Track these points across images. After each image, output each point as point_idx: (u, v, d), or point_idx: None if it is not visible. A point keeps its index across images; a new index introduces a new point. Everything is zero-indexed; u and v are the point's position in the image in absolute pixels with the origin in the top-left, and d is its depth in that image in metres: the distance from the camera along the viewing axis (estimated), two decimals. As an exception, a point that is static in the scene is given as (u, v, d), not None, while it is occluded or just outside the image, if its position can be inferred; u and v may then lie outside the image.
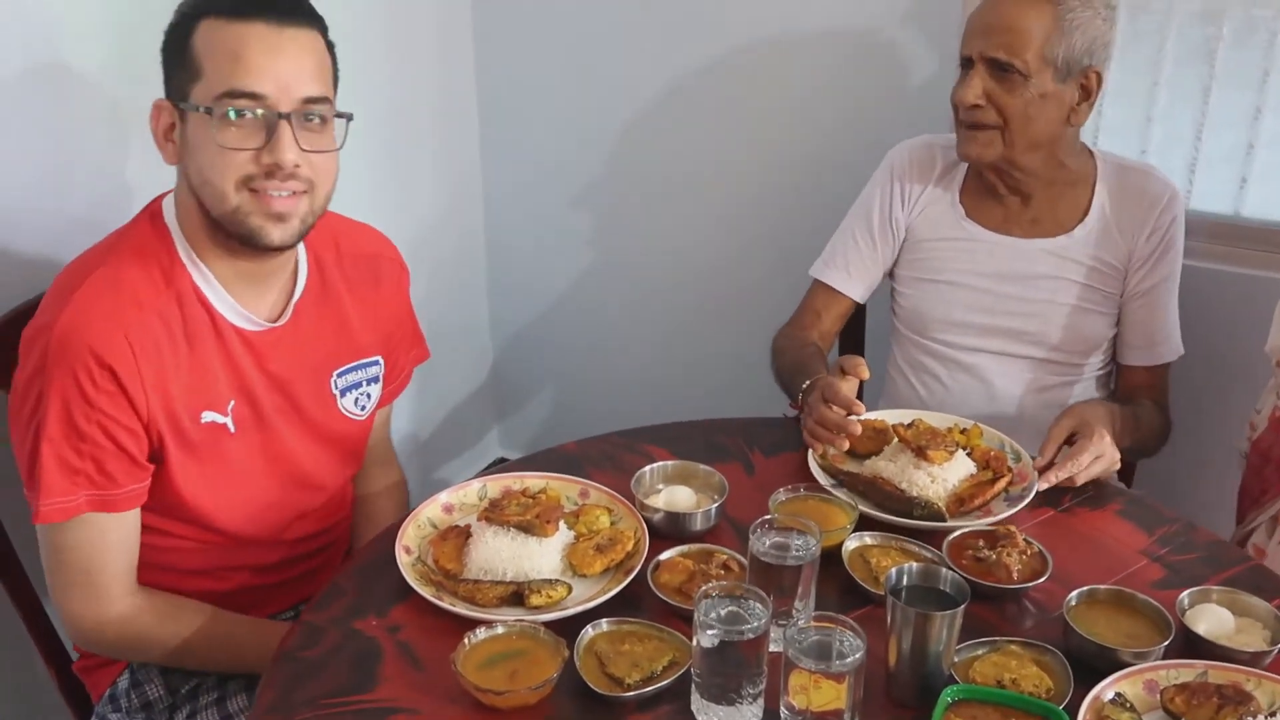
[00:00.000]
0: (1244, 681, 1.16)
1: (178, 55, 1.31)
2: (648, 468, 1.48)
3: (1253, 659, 1.20)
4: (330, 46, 1.36)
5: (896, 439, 1.55)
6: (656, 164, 2.46)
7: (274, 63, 1.28)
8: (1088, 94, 1.71)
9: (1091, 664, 1.18)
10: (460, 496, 1.46)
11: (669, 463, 1.51)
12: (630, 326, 2.65)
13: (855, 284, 1.92)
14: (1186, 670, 1.18)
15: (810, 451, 1.54)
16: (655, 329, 2.62)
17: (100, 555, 1.35)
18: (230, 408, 1.41)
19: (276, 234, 1.33)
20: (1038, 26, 1.66)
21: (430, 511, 1.42)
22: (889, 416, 1.62)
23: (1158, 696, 1.15)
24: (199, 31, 1.29)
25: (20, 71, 1.60)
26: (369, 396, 1.57)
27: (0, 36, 1.56)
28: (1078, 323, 1.81)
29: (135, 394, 1.31)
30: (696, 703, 1.14)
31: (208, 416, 1.39)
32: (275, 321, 1.44)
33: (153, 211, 1.39)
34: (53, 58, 1.64)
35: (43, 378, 1.28)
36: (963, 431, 1.59)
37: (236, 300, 1.39)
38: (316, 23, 1.34)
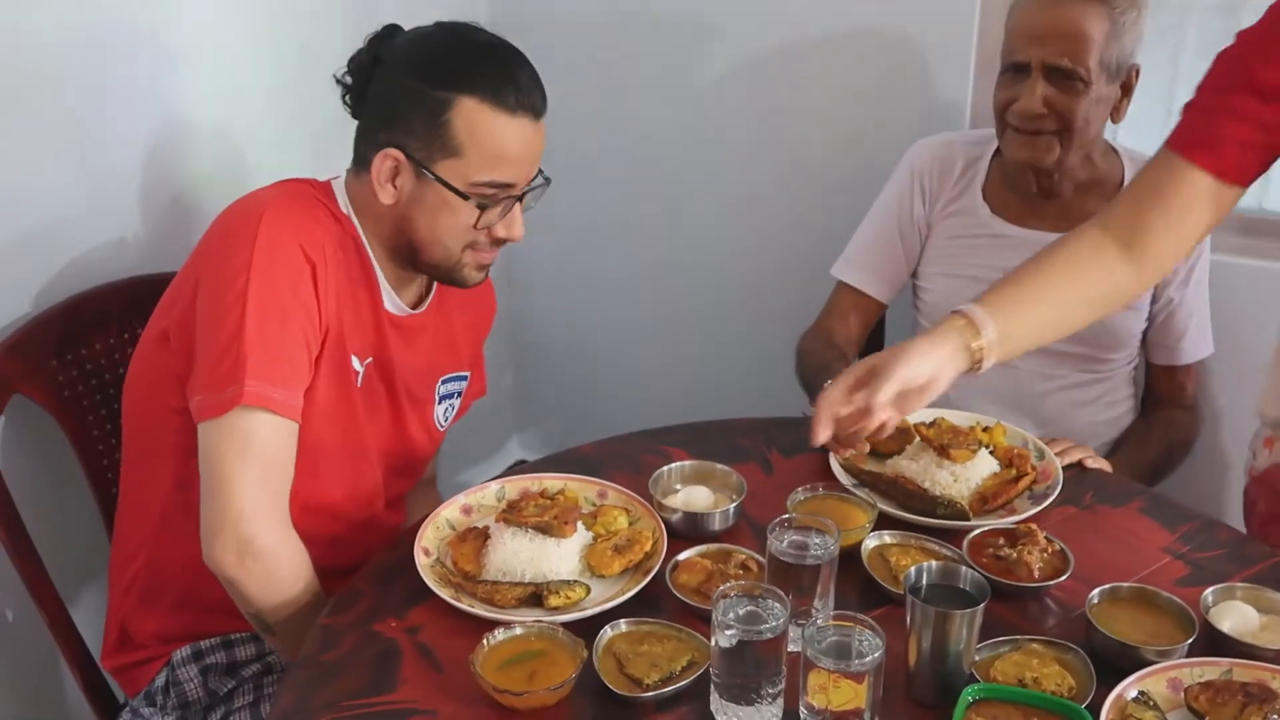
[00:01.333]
0: (1269, 679, 1.14)
1: (426, 119, 1.36)
2: (665, 468, 1.48)
3: (1278, 656, 1.18)
4: None
5: (918, 438, 1.54)
6: (676, 164, 2.46)
7: (528, 156, 1.40)
8: (1128, 90, 1.72)
9: (1114, 662, 1.17)
10: (478, 498, 1.46)
11: (687, 463, 1.50)
12: (650, 326, 2.64)
13: (879, 284, 1.91)
14: (1211, 668, 1.16)
15: (831, 451, 1.53)
16: (674, 329, 2.61)
17: (285, 463, 1.35)
18: (366, 363, 1.47)
19: (478, 278, 1.48)
20: (1097, 31, 1.65)
21: (449, 513, 1.43)
22: (910, 415, 1.60)
23: (1182, 695, 1.14)
24: (461, 108, 1.34)
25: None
26: (453, 408, 1.64)
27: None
28: (1106, 321, 1.78)
29: (324, 298, 1.37)
30: (715, 703, 1.14)
31: (352, 358, 1.44)
32: (414, 309, 1.52)
33: (323, 188, 1.46)
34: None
35: (249, 269, 1.31)
36: (985, 429, 1.58)
37: (389, 282, 1.48)
38: (546, 101, 1.42)
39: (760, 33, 2.26)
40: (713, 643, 1.12)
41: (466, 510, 1.44)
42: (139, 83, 1.68)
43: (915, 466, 1.50)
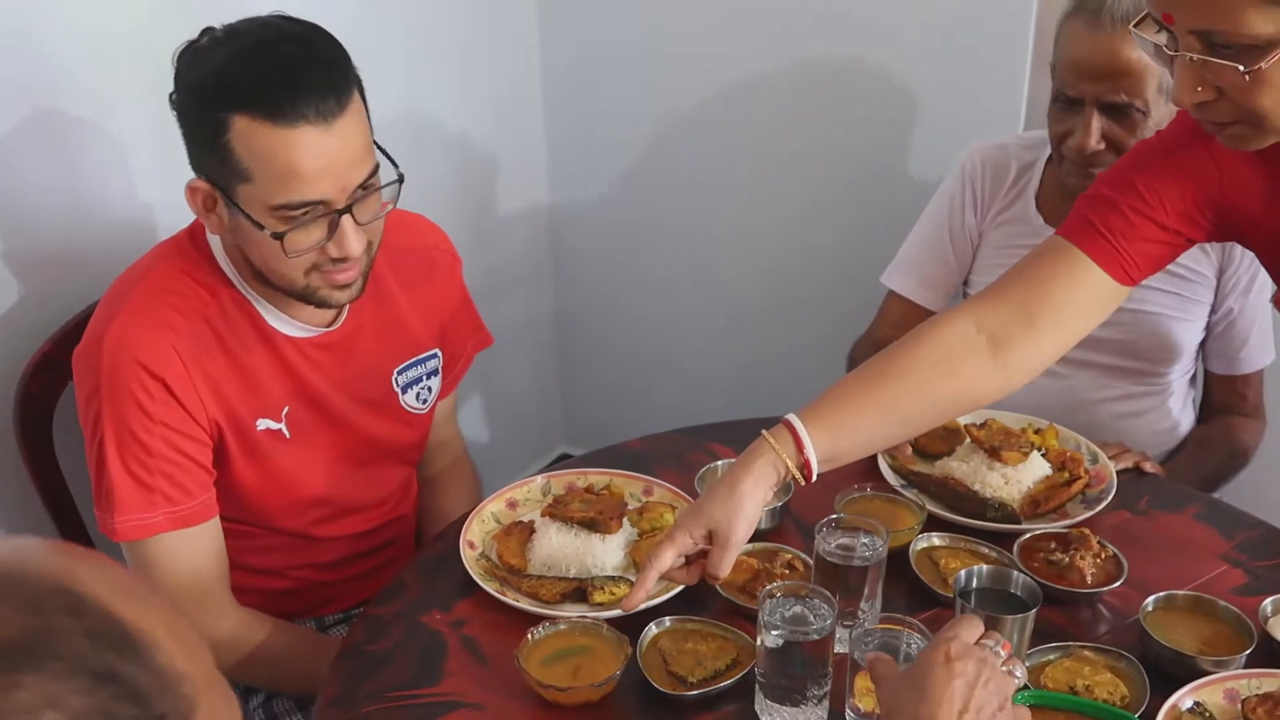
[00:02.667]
0: (1331, 693, 1.12)
1: (209, 145, 1.22)
2: (712, 465, 1.47)
3: (1340, 669, 1.16)
4: (363, 94, 1.27)
5: (969, 439, 1.52)
6: (725, 159, 2.44)
7: (330, 165, 1.21)
8: None
9: (1169, 671, 1.15)
10: (524, 492, 1.46)
11: (734, 460, 1.49)
12: (696, 323, 2.63)
13: (929, 292, 1.86)
14: (1270, 680, 1.14)
15: (880, 452, 1.51)
16: (722, 325, 2.60)
17: (196, 568, 1.34)
18: (285, 414, 1.40)
19: (344, 297, 1.33)
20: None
21: (494, 507, 1.43)
22: (961, 416, 1.58)
23: (1239, 706, 1.12)
24: (235, 130, 1.19)
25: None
26: (430, 390, 1.57)
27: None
28: (1165, 332, 1.73)
29: (190, 402, 1.30)
30: (760, 703, 1.13)
31: (263, 424, 1.38)
32: (329, 327, 1.42)
33: (193, 231, 1.37)
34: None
35: (99, 396, 1.28)
36: (1037, 432, 1.55)
37: (284, 312, 1.38)
38: (353, 86, 1.24)
39: (811, 31, 2.24)
40: (759, 642, 1.11)
41: (512, 504, 1.44)
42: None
43: (965, 468, 1.48)
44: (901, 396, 1.26)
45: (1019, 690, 1.11)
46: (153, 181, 1.68)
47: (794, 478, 1.21)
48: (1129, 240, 1.27)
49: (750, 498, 1.19)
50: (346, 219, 1.25)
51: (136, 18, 1.60)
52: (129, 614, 0.57)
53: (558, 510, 1.36)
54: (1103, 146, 1.61)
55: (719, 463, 1.48)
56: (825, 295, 2.37)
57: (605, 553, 1.32)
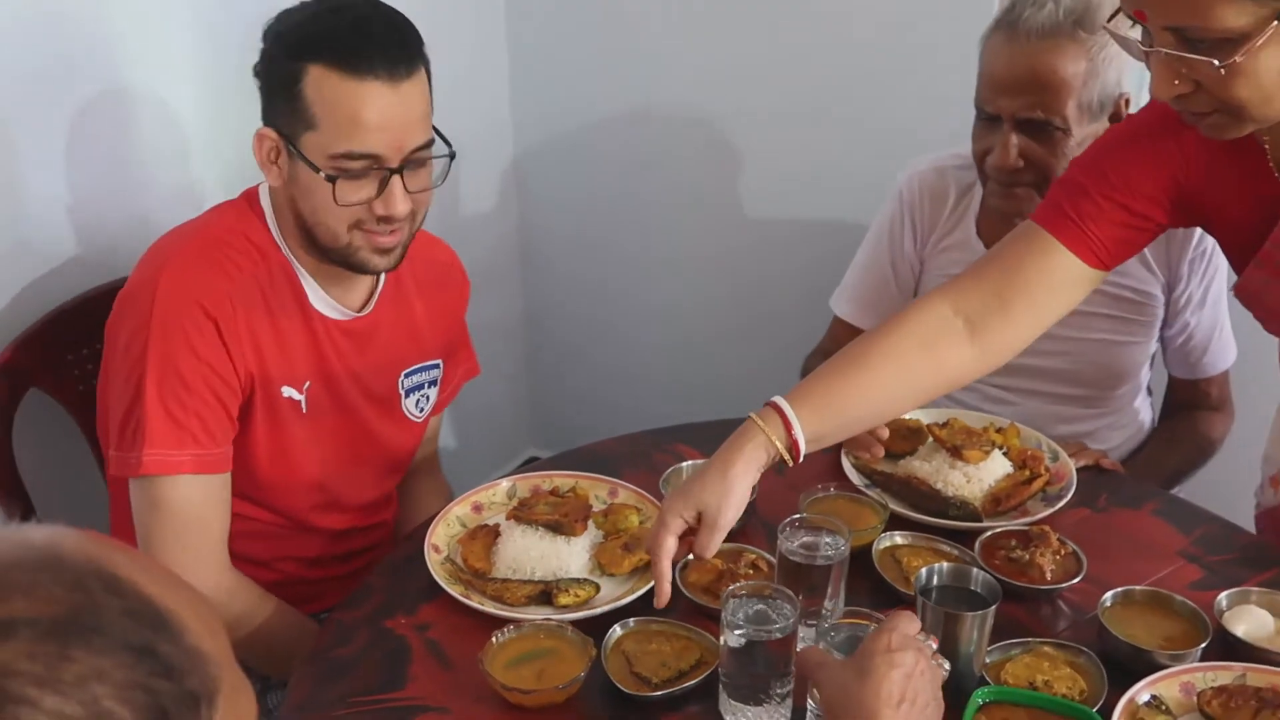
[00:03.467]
0: (1284, 685, 1.13)
1: (284, 93, 1.31)
2: (676, 466, 1.48)
3: (1293, 662, 1.17)
4: (429, 75, 1.36)
5: (931, 438, 1.54)
6: (693, 166, 2.45)
7: (390, 122, 1.30)
8: (1118, 119, 1.60)
9: (1127, 666, 1.16)
10: (489, 496, 1.46)
11: (699, 462, 1.50)
12: (663, 326, 2.64)
13: (875, 317, 1.82)
14: (1224, 673, 1.15)
15: (843, 450, 1.52)
16: (688, 328, 2.61)
17: (205, 517, 1.37)
18: (306, 388, 1.44)
19: (383, 263, 1.39)
20: (1073, 75, 1.53)
21: (459, 510, 1.43)
22: (923, 416, 1.60)
23: (1194, 699, 1.13)
24: (309, 78, 1.29)
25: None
26: (428, 399, 1.60)
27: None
28: (1109, 358, 1.74)
29: (235, 349, 1.35)
30: (724, 703, 1.14)
31: (287, 391, 1.43)
32: (358, 312, 1.48)
33: (250, 196, 1.44)
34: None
35: (147, 331, 1.31)
36: (999, 430, 1.57)
37: (323, 288, 1.44)
38: (422, 62, 1.34)
39: (778, 31, 2.25)
40: (722, 642, 1.12)
41: (477, 508, 1.44)
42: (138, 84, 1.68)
43: (928, 467, 1.49)
44: (883, 378, 1.28)
45: (978, 687, 1.12)
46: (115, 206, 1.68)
47: (783, 458, 1.23)
48: (1099, 225, 1.29)
49: (740, 481, 1.21)
50: (396, 180, 1.32)
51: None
52: (160, 595, 0.60)
53: (523, 513, 1.36)
54: (1022, 164, 1.59)
55: (685, 464, 1.49)
56: (790, 296, 2.38)
57: (570, 555, 1.32)
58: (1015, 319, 1.30)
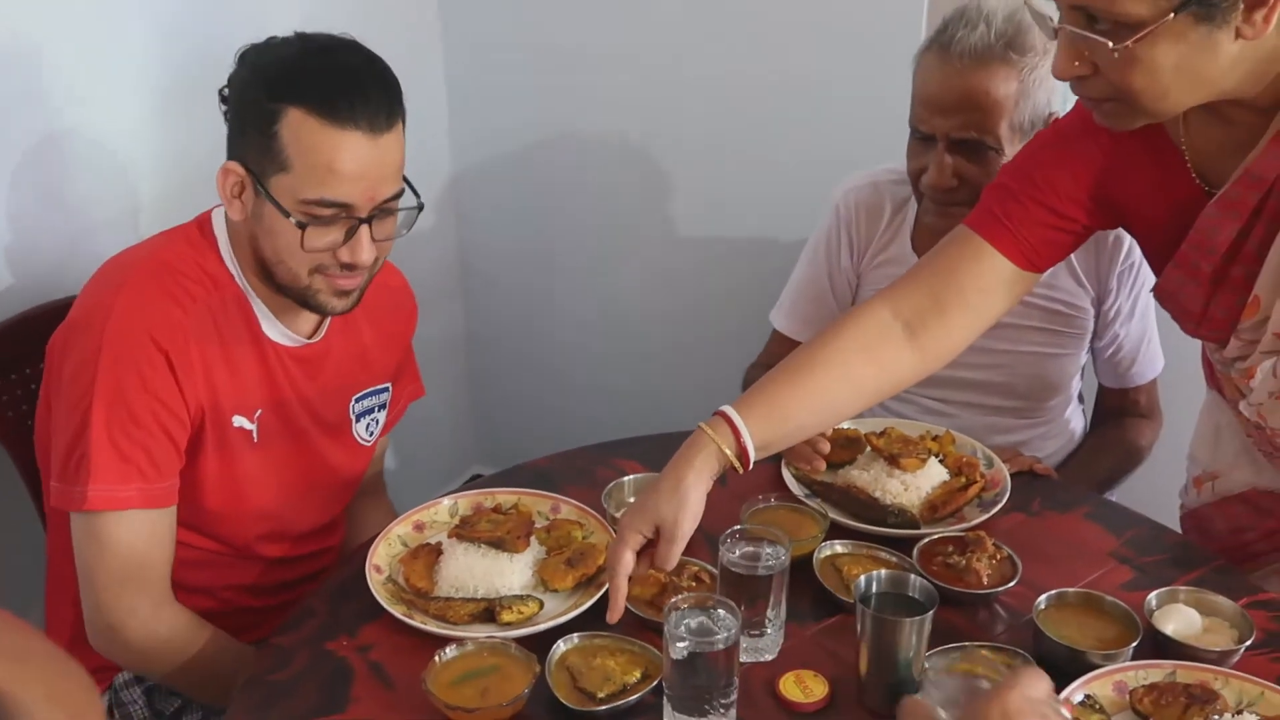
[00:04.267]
0: (1212, 680, 1.16)
1: (258, 131, 1.29)
2: (618, 481, 1.48)
3: (1220, 658, 1.20)
4: (404, 127, 1.35)
5: (869, 448, 1.56)
6: (630, 183, 2.46)
7: (365, 173, 1.29)
8: None
9: (1062, 667, 1.18)
10: (431, 514, 1.45)
11: (641, 475, 1.51)
12: (605, 342, 2.64)
13: (813, 331, 1.77)
14: (1155, 671, 1.18)
15: (783, 461, 1.54)
16: (630, 344, 2.62)
17: (149, 553, 1.34)
18: (258, 416, 1.43)
19: (340, 305, 1.38)
20: (1005, 96, 1.56)
21: (401, 530, 1.42)
22: (861, 425, 1.62)
23: (1127, 698, 1.16)
24: (288, 120, 1.27)
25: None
26: (377, 422, 1.60)
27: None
28: (1041, 370, 1.77)
29: (186, 382, 1.33)
30: (669, 716, 1.14)
31: (238, 420, 1.41)
32: (309, 339, 1.47)
33: (202, 223, 1.41)
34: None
35: (96, 361, 1.28)
36: (935, 438, 1.60)
37: (276, 316, 1.42)
38: (401, 114, 1.33)
39: (710, 52, 2.27)
40: (665, 655, 1.13)
41: (419, 526, 1.44)
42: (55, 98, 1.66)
43: (866, 476, 1.51)
44: (827, 384, 1.30)
45: (917, 692, 1.13)
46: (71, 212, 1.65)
47: (733, 466, 1.24)
48: (1028, 227, 1.33)
49: (694, 492, 1.22)
50: (364, 229, 1.32)
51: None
52: (5, 678, 0.57)
53: (465, 531, 1.36)
54: (956, 183, 1.61)
55: (627, 478, 1.49)
56: (730, 309, 2.40)
57: (513, 572, 1.32)
58: (951, 321, 1.33)
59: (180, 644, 1.37)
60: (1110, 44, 1.09)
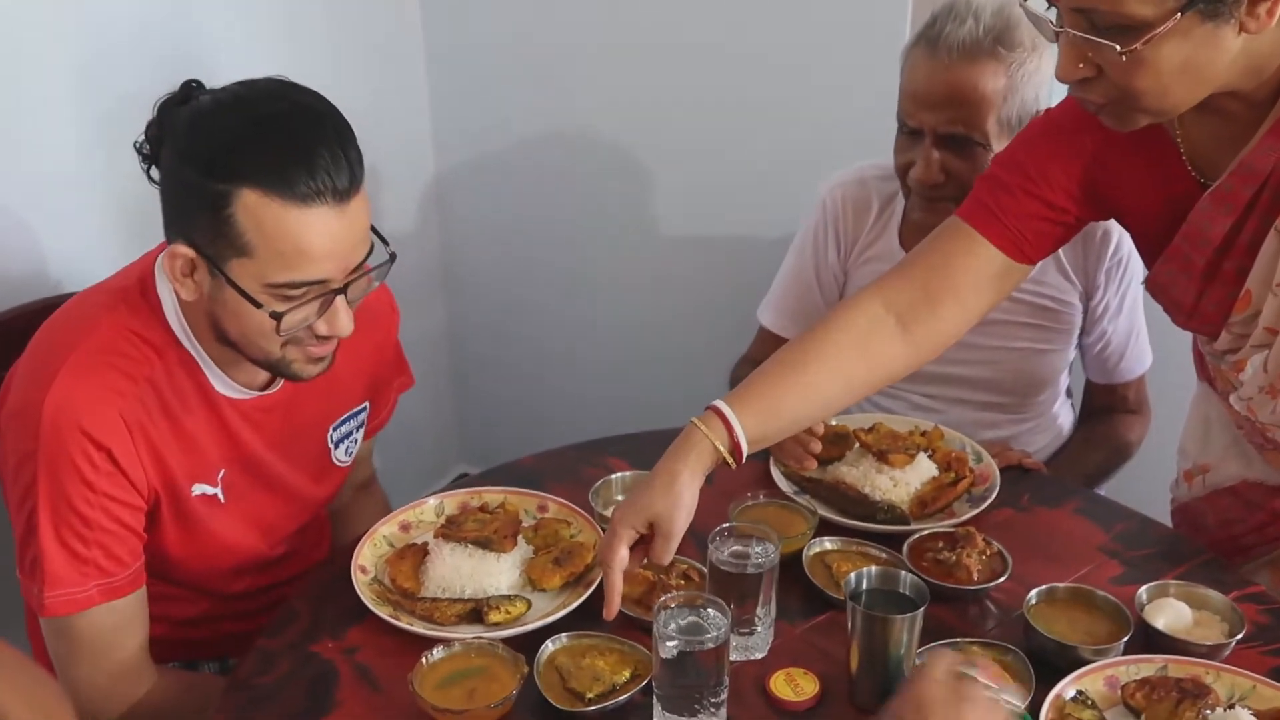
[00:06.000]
0: (1203, 674, 1.16)
1: (207, 214, 1.16)
2: (605, 479, 1.47)
3: (1211, 652, 1.20)
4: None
5: (858, 444, 1.55)
6: (613, 181, 2.45)
7: (338, 248, 1.18)
8: None
9: (1053, 662, 1.18)
10: (417, 514, 1.44)
11: (628, 473, 1.49)
12: (590, 338, 2.63)
13: (800, 327, 1.82)
14: (1146, 665, 1.18)
15: (772, 459, 1.53)
16: (615, 340, 2.61)
17: (119, 640, 1.28)
18: (220, 477, 1.35)
19: (315, 371, 1.29)
20: (993, 92, 1.56)
21: (387, 530, 1.41)
22: (849, 421, 1.61)
23: (1119, 693, 1.15)
24: (242, 202, 1.14)
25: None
26: (356, 442, 1.54)
27: None
28: (1030, 366, 1.77)
29: (133, 472, 1.24)
30: (659, 715, 1.13)
31: (199, 489, 1.33)
32: (266, 389, 1.37)
33: (143, 283, 1.29)
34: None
35: (34, 462, 1.20)
36: (923, 434, 1.59)
37: (227, 374, 1.32)
38: (362, 167, 1.21)
39: (693, 48, 2.26)
40: (654, 655, 1.11)
41: (405, 527, 1.42)
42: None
43: (855, 472, 1.50)
44: (820, 378, 1.30)
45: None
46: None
47: (725, 461, 1.23)
48: (1020, 219, 1.32)
49: (688, 488, 1.21)
50: (340, 299, 1.22)
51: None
52: None
53: (451, 531, 1.34)
54: (944, 179, 1.61)
55: (614, 476, 1.48)
56: (717, 305, 2.39)
57: (500, 572, 1.31)
58: (943, 313, 1.33)
59: (163, 712, 1.33)
60: (1117, 47, 1.08)
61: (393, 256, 1.28)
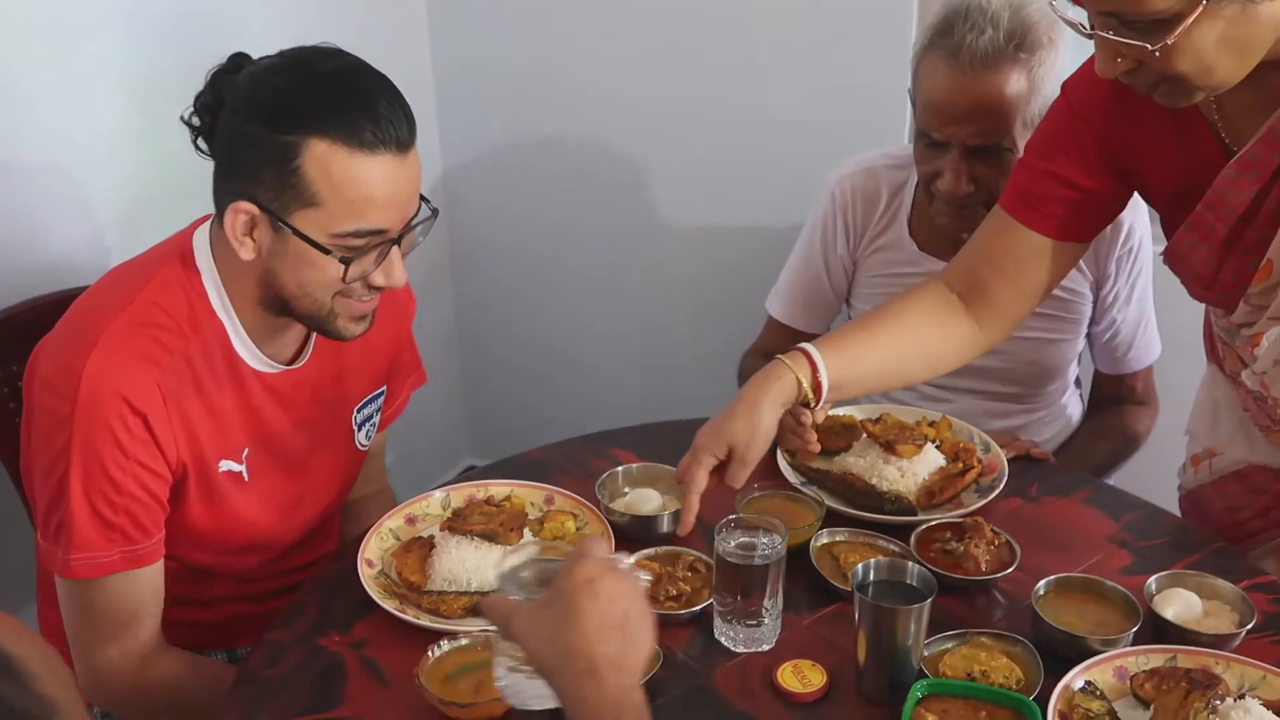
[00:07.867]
0: (1213, 665, 1.15)
1: (277, 169, 1.19)
2: (612, 471, 1.47)
3: (1221, 642, 1.20)
4: None
5: (865, 434, 1.54)
6: (619, 176, 2.45)
7: (398, 196, 1.22)
8: None
9: (1061, 653, 1.18)
10: (423, 507, 1.44)
11: (634, 465, 1.49)
12: (598, 331, 2.63)
13: (809, 318, 1.86)
14: (1155, 656, 1.17)
15: (779, 450, 1.52)
16: (623, 332, 2.61)
17: (135, 612, 1.29)
18: (245, 455, 1.37)
19: (357, 330, 1.32)
20: (1017, 96, 1.54)
21: (393, 523, 1.41)
22: (857, 412, 1.61)
23: (1128, 683, 1.15)
24: (311, 152, 1.17)
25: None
26: (374, 426, 1.55)
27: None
28: (1040, 355, 1.76)
29: (166, 442, 1.26)
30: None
31: (225, 465, 1.35)
32: (293, 363, 1.39)
33: (184, 255, 1.31)
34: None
35: (69, 426, 1.21)
36: (931, 424, 1.58)
37: (258, 345, 1.34)
38: (415, 123, 1.25)
39: (699, 43, 2.25)
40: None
41: (411, 520, 1.42)
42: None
43: (862, 463, 1.50)
44: (899, 339, 1.38)
45: (917, 679, 1.13)
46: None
47: (806, 398, 1.29)
48: (1058, 204, 1.35)
49: (768, 416, 1.26)
50: (395, 250, 1.26)
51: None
52: (10, 644, 0.60)
53: (457, 524, 1.34)
54: (973, 189, 1.60)
55: (620, 468, 1.48)
56: (725, 298, 2.39)
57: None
58: (995, 295, 1.40)
59: (173, 690, 1.34)
60: (1149, 46, 1.08)
61: (435, 212, 1.32)
